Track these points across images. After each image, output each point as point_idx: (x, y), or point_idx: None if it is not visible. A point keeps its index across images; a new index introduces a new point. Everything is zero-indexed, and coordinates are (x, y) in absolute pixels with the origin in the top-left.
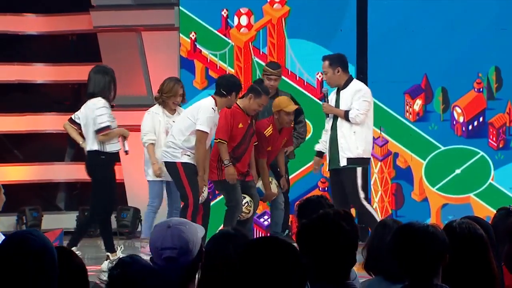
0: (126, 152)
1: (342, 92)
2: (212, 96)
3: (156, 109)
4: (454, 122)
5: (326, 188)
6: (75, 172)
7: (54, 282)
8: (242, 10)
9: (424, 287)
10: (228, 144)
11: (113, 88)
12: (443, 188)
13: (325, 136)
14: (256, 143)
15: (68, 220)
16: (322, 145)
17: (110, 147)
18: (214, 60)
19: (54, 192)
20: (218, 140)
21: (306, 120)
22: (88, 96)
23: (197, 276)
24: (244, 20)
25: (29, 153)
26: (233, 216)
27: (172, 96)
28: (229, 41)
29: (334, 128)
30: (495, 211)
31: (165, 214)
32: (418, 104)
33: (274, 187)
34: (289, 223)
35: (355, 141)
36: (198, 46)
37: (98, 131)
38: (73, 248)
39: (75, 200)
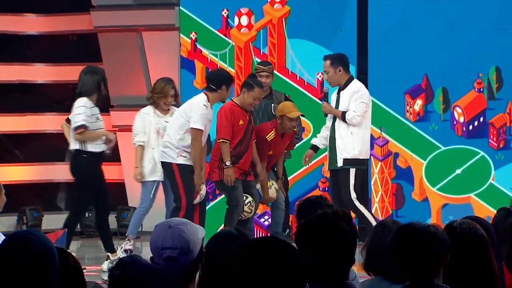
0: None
1: (342, 92)
2: (204, 93)
3: (147, 109)
4: (455, 122)
5: (326, 188)
6: None
7: (54, 282)
8: (243, 10)
9: (425, 287)
10: (230, 142)
11: (102, 88)
12: (444, 188)
13: (324, 132)
14: (255, 140)
15: None
16: (319, 140)
17: (93, 147)
18: (214, 60)
19: (55, 192)
20: (221, 140)
21: (307, 120)
22: (76, 96)
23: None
24: (244, 20)
25: (30, 153)
26: (233, 216)
27: (163, 96)
28: (230, 41)
29: (333, 128)
30: (495, 211)
31: (163, 214)
32: (418, 104)
33: (273, 191)
34: (289, 223)
35: (351, 142)
36: (198, 46)
37: (73, 130)
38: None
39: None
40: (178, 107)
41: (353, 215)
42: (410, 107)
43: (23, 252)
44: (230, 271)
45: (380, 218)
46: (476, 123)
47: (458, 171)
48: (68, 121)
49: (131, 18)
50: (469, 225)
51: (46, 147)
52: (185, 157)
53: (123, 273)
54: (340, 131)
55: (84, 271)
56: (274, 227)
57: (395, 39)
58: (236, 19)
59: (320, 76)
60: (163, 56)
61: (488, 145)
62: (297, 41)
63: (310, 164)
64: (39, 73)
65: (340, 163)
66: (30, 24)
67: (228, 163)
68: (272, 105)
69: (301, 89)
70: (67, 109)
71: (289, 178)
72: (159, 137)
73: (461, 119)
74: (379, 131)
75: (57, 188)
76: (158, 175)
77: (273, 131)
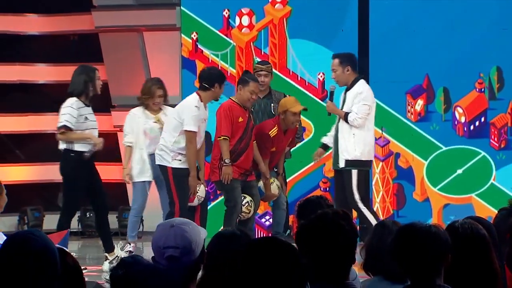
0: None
1: (348, 93)
2: (196, 92)
3: (137, 110)
4: (456, 122)
5: (327, 189)
6: None
7: (55, 282)
8: (244, 10)
9: (426, 287)
10: (230, 140)
11: (90, 89)
12: (445, 188)
13: (333, 131)
14: (257, 138)
15: None
16: (329, 139)
17: (81, 147)
18: (215, 60)
19: (56, 192)
20: (221, 137)
21: (307, 120)
22: (67, 95)
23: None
24: (245, 20)
25: (31, 153)
26: (231, 216)
27: (150, 97)
28: (231, 41)
29: (336, 128)
30: (496, 211)
31: (160, 215)
32: (419, 104)
33: (275, 188)
34: (290, 224)
35: (353, 143)
36: (199, 46)
37: (57, 129)
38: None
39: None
40: (174, 106)
41: (355, 214)
42: (411, 107)
43: (24, 252)
44: (232, 271)
45: (381, 218)
46: (477, 123)
47: (459, 171)
48: None
49: (132, 18)
50: (471, 225)
51: (47, 147)
52: (180, 160)
53: (124, 273)
54: (342, 132)
55: (85, 271)
56: (276, 227)
57: (396, 39)
58: (237, 19)
59: (321, 76)
60: (164, 56)
61: (489, 145)
62: (298, 41)
63: (318, 160)
64: (40, 73)
65: (342, 164)
66: (32, 24)
67: (227, 161)
68: (272, 105)
69: (302, 89)
70: None
71: (290, 179)
72: (147, 138)
73: (462, 119)
74: (380, 131)
75: (58, 188)
76: (147, 176)
77: (275, 127)
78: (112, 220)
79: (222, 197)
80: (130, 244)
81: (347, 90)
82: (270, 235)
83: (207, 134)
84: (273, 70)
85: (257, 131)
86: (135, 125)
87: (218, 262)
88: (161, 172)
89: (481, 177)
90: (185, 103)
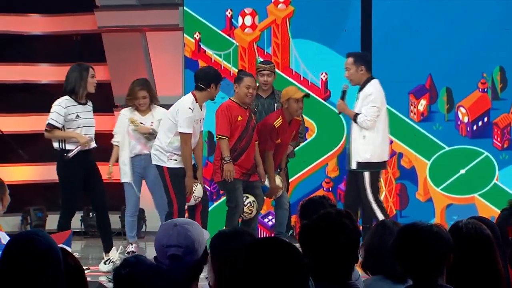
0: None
1: (360, 93)
2: (192, 93)
3: (126, 111)
4: (459, 122)
5: (330, 189)
6: None
7: (58, 282)
8: (247, 10)
9: (428, 287)
10: (229, 139)
11: (81, 86)
12: (448, 188)
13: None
14: (257, 141)
15: (73, 220)
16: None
17: (72, 146)
18: (218, 60)
19: (59, 192)
20: (219, 136)
21: (310, 120)
22: (62, 93)
23: (202, 276)
24: (248, 20)
25: (34, 153)
26: (233, 217)
27: (132, 98)
28: (234, 41)
29: (349, 129)
30: (499, 211)
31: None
32: (422, 104)
33: (278, 181)
34: (293, 224)
35: (363, 145)
36: (202, 46)
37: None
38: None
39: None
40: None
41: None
42: (414, 107)
43: (27, 253)
44: (234, 270)
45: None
46: (480, 123)
47: (462, 171)
48: None
49: (135, 18)
50: (474, 225)
51: (50, 147)
52: (176, 160)
53: (127, 273)
54: (353, 133)
55: (88, 271)
56: (278, 227)
57: (399, 39)
58: (240, 19)
59: (324, 77)
60: (167, 56)
61: (492, 145)
62: (301, 41)
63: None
64: (43, 73)
65: (353, 166)
66: (34, 24)
67: (227, 158)
68: (276, 104)
69: (305, 89)
70: None
71: (293, 179)
72: (131, 139)
73: (465, 119)
74: None
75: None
76: (127, 177)
77: (280, 118)
78: (115, 220)
79: (224, 197)
80: (132, 245)
81: (360, 90)
82: (272, 235)
83: (211, 134)
84: (276, 70)
85: (261, 125)
86: (122, 126)
87: (220, 262)
88: (158, 173)
89: (484, 177)
90: (179, 104)
